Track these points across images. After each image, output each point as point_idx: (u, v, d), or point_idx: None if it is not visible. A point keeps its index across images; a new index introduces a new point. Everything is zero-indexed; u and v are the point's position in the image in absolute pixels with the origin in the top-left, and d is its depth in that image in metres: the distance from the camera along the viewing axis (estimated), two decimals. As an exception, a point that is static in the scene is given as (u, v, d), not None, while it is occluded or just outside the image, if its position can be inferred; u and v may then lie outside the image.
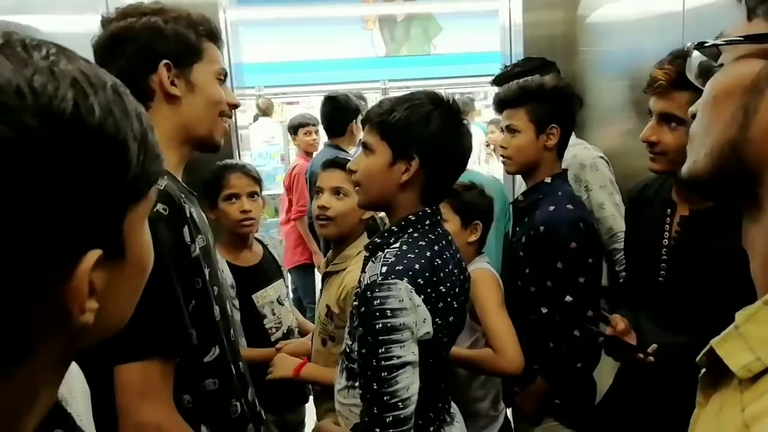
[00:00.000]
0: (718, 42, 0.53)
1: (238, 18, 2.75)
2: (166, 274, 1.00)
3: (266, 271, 2.08)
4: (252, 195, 1.96)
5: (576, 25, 2.47)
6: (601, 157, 2.02)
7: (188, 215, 1.08)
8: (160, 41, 1.09)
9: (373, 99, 9.19)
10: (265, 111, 5.92)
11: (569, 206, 1.60)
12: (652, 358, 1.34)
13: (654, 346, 1.35)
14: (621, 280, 1.86)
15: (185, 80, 1.11)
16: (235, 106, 1.22)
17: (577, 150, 2.01)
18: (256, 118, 6.39)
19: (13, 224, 0.39)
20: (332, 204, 1.68)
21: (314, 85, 8.81)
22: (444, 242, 1.28)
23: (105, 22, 1.11)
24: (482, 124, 6.35)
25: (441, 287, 1.20)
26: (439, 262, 1.22)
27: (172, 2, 2.11)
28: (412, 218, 1.25)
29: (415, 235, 1.24)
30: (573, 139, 1.98)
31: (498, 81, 2.22)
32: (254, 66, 7.98)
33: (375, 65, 9.35)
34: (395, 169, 1.22)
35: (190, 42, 1.12)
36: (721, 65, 0.53)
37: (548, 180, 1.68)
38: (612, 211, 1.95)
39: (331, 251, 1.80)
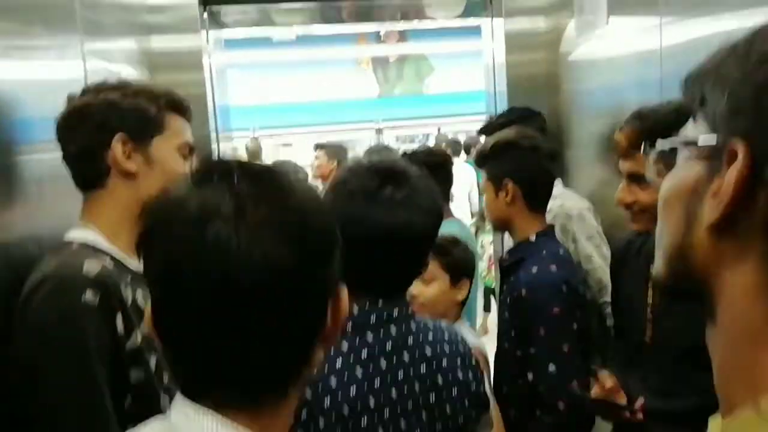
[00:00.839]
0: (663, 148, 0.53)
1: (229, 61, 2.78)
2: (90, 372, 0.96)
3: None
4: None
5: (558, 64, 2.49)
6: (588, 208, 2.01)
7: (128, 302, 1.04)
8: (116, 116, 1.08)
9: (367, 138, 9.30)
10: (253, 154, 5.87)
11: (552, 267, 1.53)
12: (641, 416, 1.28)
13: (641, 400, 1.29)
14: (611, 335, 1.81)
15: (143, 155, 1.10)
16: None
17: (564, 200, 1.99)
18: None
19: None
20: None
21: (308, 126, 8.95)
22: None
23: (69, 99, 1.11)
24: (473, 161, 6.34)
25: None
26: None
27: (159, 47, 2.16)
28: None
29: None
30: (559, 188, 1.94)
31: (484, 131, 2.23)
32: (248, 109, 8.09)
33: (369, 106, 9.48)
34: None
35: (148, 115, 1.11)
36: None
37: (532, 238, 1.61)
38: (600, 263, 1.92)
39: None
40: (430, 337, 1.07)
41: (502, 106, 2.64)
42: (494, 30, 2.68)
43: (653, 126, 1.22)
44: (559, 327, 1.50)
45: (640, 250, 1.43)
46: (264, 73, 8.54)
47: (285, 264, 0.55)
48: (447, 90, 9.51)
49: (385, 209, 0.99)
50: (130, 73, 2.01)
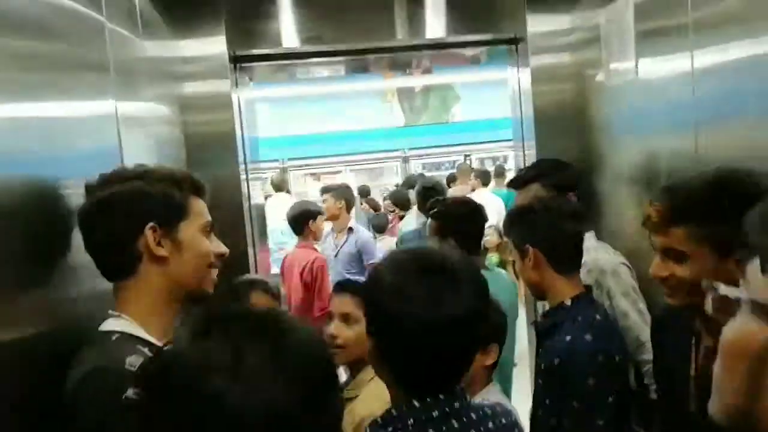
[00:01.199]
0: (725, 294, 0.53)
1: (259, 95, 2.83)
2: None
3: None
4: None
5: (585, 91, 2.47)
6: (623, 263, 1.96)
7: None
8: (147, 205, 1.11)
9: (393, 167, 9.35)
10: (279, 186, 5.90)
11: (588, 336, 1.48)
12: None
13: None
14: (651, 395, 1.75)
15: (172, 240, 1.13)
16: (222, 255, 1.24)
17: (599, 254, 1.93)
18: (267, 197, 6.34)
19: None
20: (341, 332, 1.64)
21: (336, 156, 9.05)
22: None
23: (90, 189, 1.13)
24: (501, 191, 6.22)
25: None
26: None
27: (190, 91, 2.23)
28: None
29: None
30: (592, 241, 1.88)
31: (513, 185, 2.21)
32: (276, 140, 8.24)
33: (395, 135, 9.55)
34: None
35: (175, 202, 1.14)
36: None
37: (567, 302, 1.57)
38: (636, 319, 1.84)
39: (348, 375, 1.72)
40: (490, 425, 1.05)
41: (529, 133, 2.63)
42: (520, 71, 2.70)
43: (685, 202, 1.19)
44: (594, 401, 1.45)
45: (680, 317, 1.36)
46: (291, 106, 8.70)
47: (286, 411, 0.56)
48: (472, 117, 9.53)
49: (428, 306, 0.95)
50: (161, 112, 2.06)
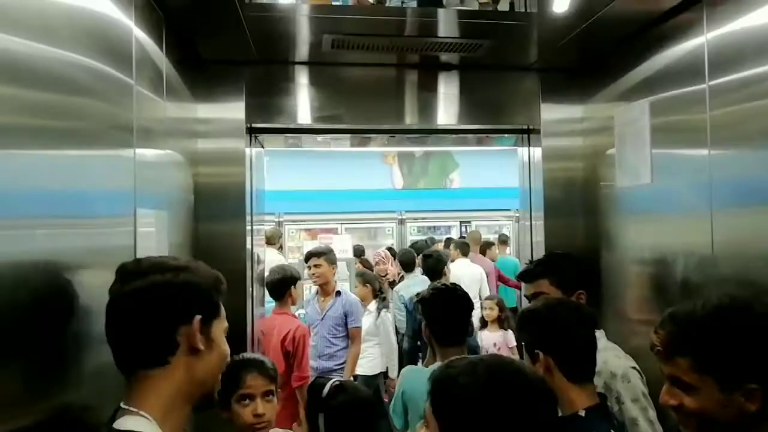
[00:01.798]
0: None
1: (263, 149, 2.86)
2: None
3: None
4: (267, 394, 1.87)
5: (596, 160, 2.51)
6: (633, 368, 1.92)
7: None
8: (197, 297, 1.13)
9: (389, 228, 9.37)
10: (270, 239, 5.82)
11: None
12: None
13: None
14: None
15: (206, 336, 1.14)
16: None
17: (608, 356, 1.90)
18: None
19: None
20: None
21: (332, 214, 9.07)
22: None
23: (127, 273, 1.12)
24: (507, 258, 6.20)
25: None
26: None
27: (206, 147, 2.29)
28: None
29: None
30: (603, 341, 1.87)
31: (523, 277, 2.22)
32: (275, 193, 8.26)
33: (392, 197, 9.62)
34: None
35: (214, 299, 1.17)
36: None
37: (582, 413, 1.51)
38: (646, 428, 1.79)
39: None
40: None
41: (538, 204, 2.66)
42: (532, 150, 2.76)
43: (688, 332, 1.17)
44: None
45: None
46: (291, 160, 8.75)
47: None
48: (470, 185, 9.67)
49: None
50: (177, 161, 2.08)
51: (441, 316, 2.14)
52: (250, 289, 2.50)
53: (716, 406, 1.12)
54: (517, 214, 8.80)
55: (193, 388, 1.13)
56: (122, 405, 1.06)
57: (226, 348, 1.19)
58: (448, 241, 7.68)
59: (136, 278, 1.10)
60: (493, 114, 2.65)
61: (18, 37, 1.02)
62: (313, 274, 3.96)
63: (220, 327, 1.18)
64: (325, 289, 3.96)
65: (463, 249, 6.26)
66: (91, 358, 1.26)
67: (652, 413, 1.81)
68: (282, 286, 3.49)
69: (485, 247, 6.83)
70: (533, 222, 2.72)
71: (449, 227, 9.16)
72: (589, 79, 2.51)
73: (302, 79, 2.56)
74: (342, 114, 2.55)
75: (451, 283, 2.41)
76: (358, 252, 7.27)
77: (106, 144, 1.46)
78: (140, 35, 1.65)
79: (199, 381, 1.13)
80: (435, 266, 4.45)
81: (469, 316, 2.23)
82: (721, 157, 1.71)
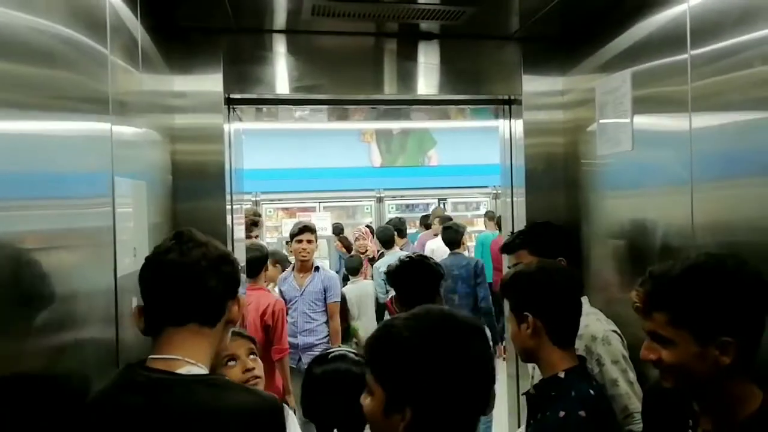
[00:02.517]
0: None
1: (241, 127, 2.80)
2: None
3: None
4: (251, 353, 1.88)
5: (578, 143, 2.51)
6: (614, 331, 1.96)
7: None
8: (239, 272, 1.29)
9: (367, 206, 9.35)
10: (256, 222, 5.82)
11: (581, 413, 1.45)
12: None
13: None
14: None
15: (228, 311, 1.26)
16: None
17: (589, 320, 1.93)
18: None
19: None
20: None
21: (310, 192, 9.00)
22: None
23: (188, 239, 1.22)
24: (496, 233, 6.29)
25: None
26: None
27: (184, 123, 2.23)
28: None
29: None
30: (586, 307, 1.87)
31: (505, 249, 2.26)
32: (251, 172, 8.13)
33: (370, 174, 9.58)
34: None
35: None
36: None
37: (561, 375, 1.54)
38: (626, 389, 1.83)
39: None
40: None
41: (519, 180, 2.66)
42: (513, 122, 2.75)
43: (664, 288, 1.22)
44: None
45: (675, 393, 1.35)
46: (267, 139, 8.63)
47: None
48: (447, 162, 9.68)
49: None
50: (154, 138, 2.02)
51: (409, 285, 2.21)
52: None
53: (692, 359, 1.18)
54: (495, 191, 8.94)
55: (215, 356, 1.25)
56: (173, 355, 1.15)
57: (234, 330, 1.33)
58: (424, 218, 7.71)
59: (200, 246, 1.21)
60: (474, 84, 2.62)
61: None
62: (304, 249, 3.93)
63: (237, 305, 1.28)
64: (305, 266, 3.95)
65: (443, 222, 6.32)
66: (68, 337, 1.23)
67: (632, 375, 1.86)
68: (259, 263, 3.58)
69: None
70: (514, 198, 2.73)
71: (427, 204, 9.17)
72: (571, 49, 2.50)
73: (281, 48, 2.50)
74: (321, 84, 2.50)
75: (422, 254, 2.50)
76: (338, 230, 7.25)
77: (80, 118, 1.39)
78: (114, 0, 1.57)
79: (218, 351, 1.27)
80: (454, 237, 4.85)
81: (438, 285, 2.29)
82: (702, 129, 1.72)
